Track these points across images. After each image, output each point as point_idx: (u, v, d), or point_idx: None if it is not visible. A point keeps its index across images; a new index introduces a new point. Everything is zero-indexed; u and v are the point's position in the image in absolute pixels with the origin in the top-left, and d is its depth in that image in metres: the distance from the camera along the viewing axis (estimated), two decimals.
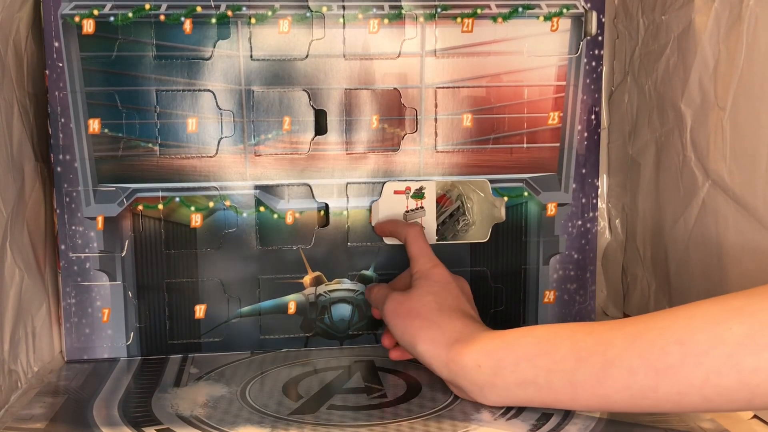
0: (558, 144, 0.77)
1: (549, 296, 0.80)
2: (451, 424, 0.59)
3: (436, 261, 0.69)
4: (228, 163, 0.73)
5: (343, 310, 0.77)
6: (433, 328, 0.61)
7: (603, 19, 0.76)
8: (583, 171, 0.78)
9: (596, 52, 0.76)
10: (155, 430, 0.58)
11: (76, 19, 0.70)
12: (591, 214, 0.79)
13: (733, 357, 0.45)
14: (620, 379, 0.49)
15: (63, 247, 0.72)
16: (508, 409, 0.61)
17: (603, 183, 0.88)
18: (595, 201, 0.79)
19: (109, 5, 0.70)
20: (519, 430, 0.58)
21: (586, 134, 0.77)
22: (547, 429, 0.58)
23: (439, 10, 0.74)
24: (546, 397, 0.55)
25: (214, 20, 0.71)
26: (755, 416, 0.60)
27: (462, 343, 0.59)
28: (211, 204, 0.74)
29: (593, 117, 0.77)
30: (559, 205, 0.78)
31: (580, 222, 0.79)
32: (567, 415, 0.60)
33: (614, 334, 0.51)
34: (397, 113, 0.75)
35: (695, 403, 0.48)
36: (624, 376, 0.49)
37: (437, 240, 0.77)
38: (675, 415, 0.59)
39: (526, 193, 0.77)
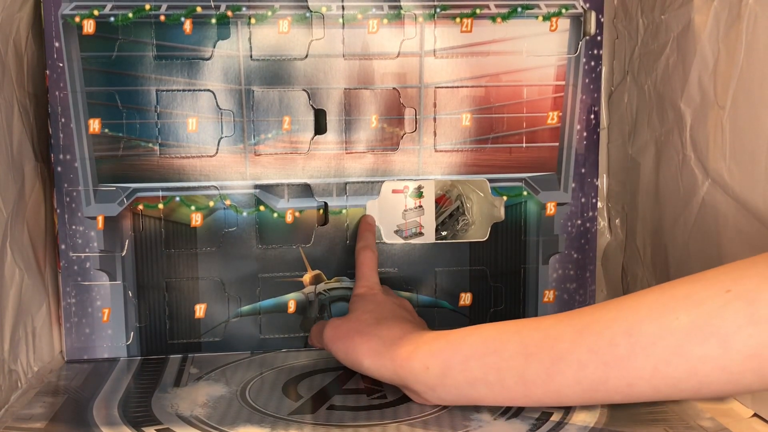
0: (557, 143, 0.77)
1: (548, 296, 0.80)
2: (450, 425, 0.59)
3: (376, 285, 0.70)
4: (228, 163, 0.74)
5: (343, 309, 0.77)
6: (374, 339, 0.61)
7: (602, 19, 0.76)
8: (583, 170, 0.78)
9: (595, 51, 0.76)
10: (155, 430, 0.58)
11: (77, 19, 0.70)
12: (590, 214, 0.79)
13: (680, 347, 0.45)
14: (570, 374, 0.49)
15: (63, 246, 0.73)
16: (508, 408, 0.61)
17: (603, 182, 0.88)
18: (594, 200, 0.79)
19: (109, 5, 0.70)
20: (518, 430, 0.58)
21: (585, 134, 0.77)
22: (546, 428, 0.58)
23: (438, 10, 0.74)
24: (498, 395, 0.54)
25: (214, 20, 0.72)
26: (755, 415, 0.60)
27: (406, 347, 0.58)
28: (211, 203, 0.74)
29: (592, 117, 0.77)
30: (559, 204, 0.78)
31: (579, 221, 0.79)
32: (567, 414, 0.60)
33: (562, 328, 0.51)
34: (396, 113, 0.75)
35: (645, 393, 0.48)
36: (574, 370, 0.49)
37: (437, 240, 0.77)
38: (674, 414, 0.60)
39: (525, 193, 0.77)
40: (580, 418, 0.59)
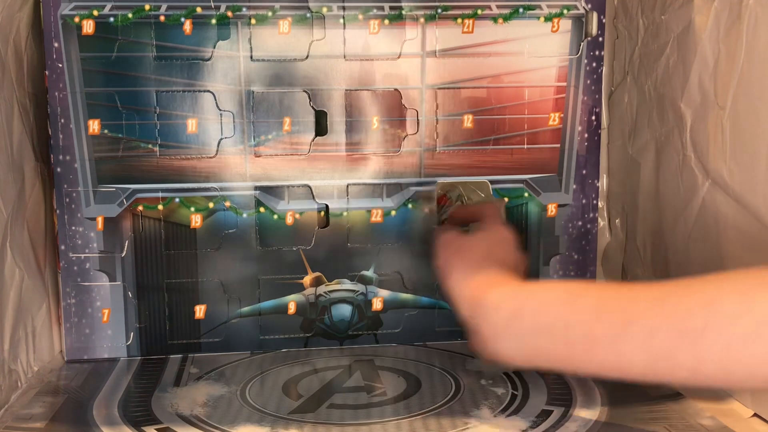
0: (558, 145, 0.77)
1: None
2: (450, 422, 0.59)
3: (503, 221, 0.67)
4: (228, 164, 0.73)
5: (343, 311, 0.77)
6: (472, 267, 0.59)
7: (603, 20, 0.76)
8: (584, 172, 0.78)
9: (597, 52, 0.76)
10: (155, 429, 0.58)
11: (76, 19, 0.70)
12: (591, 215, 0.79)
13: (760, 328, 0.43)
14: (640, 339, 0.47)
15: (63, 247, 0.72)
16: (508, 405, 0.61)
17: (603, 183, 0.88)
18: (595, 202, 0.79)
19: (108, 6, 0.70)
20: (519, 427, 0.58)
21: (586, 135, 0.77)
22: (546, 426, 0.58)
23: (439, 10, 0.74)
24: (560, 350, 0.51)
25: (214, 21, 0.71)
26: (755, 415, 0.60)
27: (488, 282, 0.56)
28: (211, 204, 0.74)
29: (593, 118, 0.77)
30: (560, 205, 0.78)
31: (580, 222, 0.79)
32: (567, 411, 0.60)
33: (641, 293, 0.48)
34: (397, 114, 0.75)
35: (713, 373, 0.45)
36: (644, 335, 0.46)
37: None
38: (675, 413, 0.60)
39: (526, 194, 0.77)
40: (581, 415, 0.60)
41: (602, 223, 0.88)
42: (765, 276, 0.45)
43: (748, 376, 0.44)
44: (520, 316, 0.52)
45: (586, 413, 0.60)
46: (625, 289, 0.49)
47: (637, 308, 0.47)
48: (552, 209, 0.78)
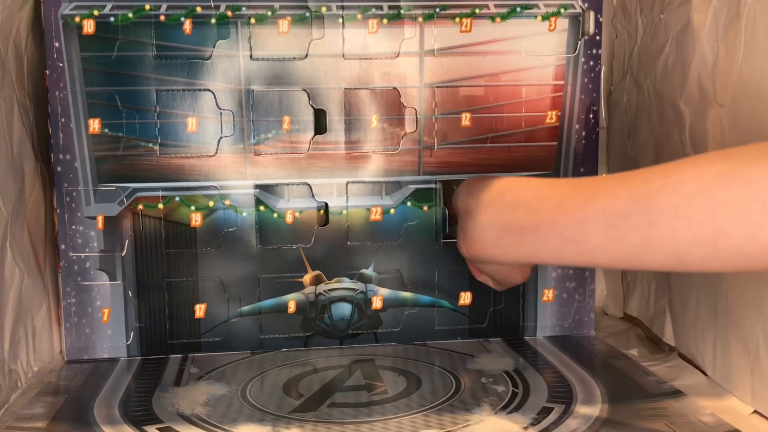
0: (556, 143, 0.77)
1: (548, 295, 0.80)
2: (451, 418, 0.59)
3: None
4: (228, 163, 0.74)
5: (343, 309, 0.77)
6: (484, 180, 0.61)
7: (600, 19, 0.76)
8: (581, 170, 0.78)
9: (594, 51, 0.77)
10: (156, 429, 0.58)
11: (77, 19, 0.70)
12: None
13: (707, 189, 0.44)
14: (600, 205, 0.49)
15: (63, 246, 0.73)
16: (509, 403, 0.61)
17: None
18: None
19: (109, 5, 0.70)
20: (520, 423, 0.58)
21: (584, 133, 0.78)
22: (547, 423, 0.58)
23: (437, 9, 0.74)
24: (531, 221, 0.53)
25: (213, 20, 0.72)
26: (756, 412, 0.60)
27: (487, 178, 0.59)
28: (211, 203, 0.74)
29: (591, 116, 0.77)
30: None
31: None
32: (567, 409, 0.60)
33: (600, 179, 0.51)
34: (396, 113, 0.75)
35: (664, 235, 0.46)
36: (605, 201, 0.48)
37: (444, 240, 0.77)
38: (675, 410, 0.60)
39: None
40: (582, 412, 0.60)
41: None
42: (720, 151, 0.46)
43: (694, 239, 0.45)
44: (504, 193, 0.56)
45: (587, 410, 0.60)
46: (596, 177, 0.53)
47: (600, 184, 0.50)
48: None
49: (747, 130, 0.60)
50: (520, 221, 0.54)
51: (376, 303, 0.78)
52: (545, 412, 0.60)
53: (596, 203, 0.49)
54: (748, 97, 0.60)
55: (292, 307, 0.76)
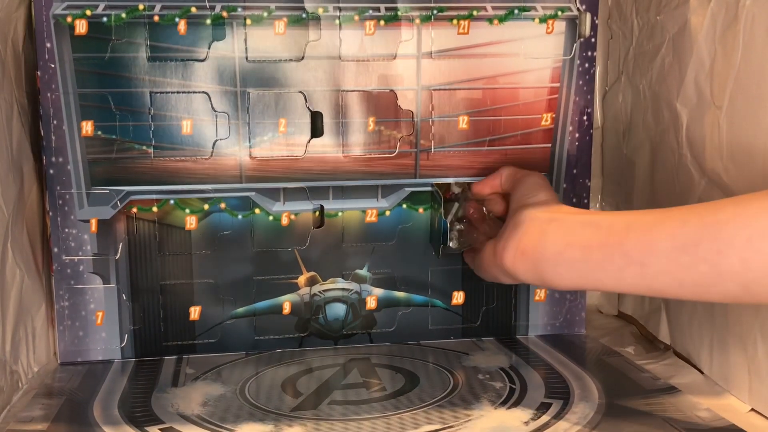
0: (549, 145, 0.78)
1: (540, 294, 0.80)
2: (452, 414, 0.60)
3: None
4: (223, 166, 0.73)
5: (338, 310, 0.77)
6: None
7: (596, 21, 0.77)
8: (574, 171, 0.78)
9: (589, 53, 0.77)
10: (159, 429, 0.58)
11: (69, 19, 0.69)
12: None
13: None
14: (670, 228, 0.48)
15: (56, 250, 0.72)
16: (507, 399, 0.62)
17: (598, 182, 0.89)
18: (586, 201, 0.79)
19: (102, 5, 0.69)
20: (520, 418, 0.59)
21: (577, 135, 0.78)
22: (547, 417, 0.59)
23: (435, 11, 0.73)
24: (599, 238, 0.53)
25: (209, 21, 0.71)
26: (753, 410, 0.61)
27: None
28: (206, 206, 0.73)
29: (585, 118, 0.78)
30: None
31: None
32: (566, 404, 0.61)
33: (675, 208, 0.50)
34: (393, 115, 0.75)
35: (733, 268, 0.45)
36: (674, 225, 0.48)
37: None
38: (672, 405, 0.61)
39: None
40: (580, 408, 0.61)
41: None
42: None
43: (765, 273, 0.45)
44: (575, 212, 0.57)
45: (585, 405, 0.62)
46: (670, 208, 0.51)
47: (677, 209, 0.49)
48: None
49: (745, 132, 0.60)
50: (586, 239, 0.53)
51: (371, 303, 0.78)
52: (544, 407, 0.61)
53: (666, 227, 0.48)
54: (746, 100, 0.60)
55: (286, 308, 0.76)
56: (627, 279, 0.51)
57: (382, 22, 0.73)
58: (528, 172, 0.68)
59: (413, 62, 0.74)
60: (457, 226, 0.69)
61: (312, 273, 0.76)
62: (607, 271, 0.51)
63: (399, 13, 0.73)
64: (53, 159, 0.70)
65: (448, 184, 0.76)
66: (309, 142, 0.74)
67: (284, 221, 0.75)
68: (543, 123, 0.77)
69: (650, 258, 0.49)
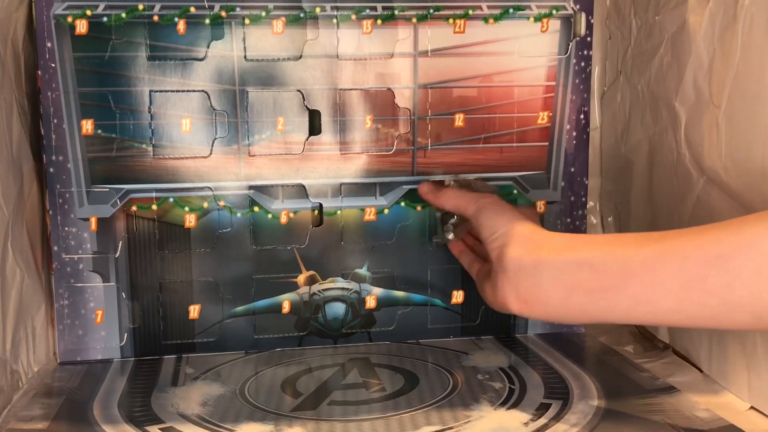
0: (547, 143, 0.78)
1: None
2: (452, 414, 0.60)
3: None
4: (222, 164, 0.73)
5: (337, 309, 0.77)
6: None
7: (591, 20, 0.77)
8: (572, 169, 0.79)
9: (585, 52, 0.77)
10: (159, 429, 0.58)
11: (69, 19, 0.70)
12: (580, 212, 0.80)
13: None
14: (672, 265, 0.47)
15: (56, 248, 0.72)
16: (507, 399, 0.62)
17: (596, 181, 0.89)
18: (584, 199, 0.80)
19: (102, 5, 0.70)
20: (520, 419, 0.59)
21: (575, 133, 0.78)
22: (546, 419, 0.59)
23: (431, 11, 0.74)
24: (597, 283, 0.51)
25: (207, 21, 0.71)
26: (752, 408, 0.61)
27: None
28: (206, 204, 0.74)
29: (582, 116, 0.78)
30: (548, 203, 0.79)
31: (569, 219, 0.80)
32: (565, 404, 0.61)
33: (672, 232, 0.49)
34: (390, 113, 0.75)
35: (743, 300, 0.45)
36: (676, 262, 0.47)
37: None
38: (671, 405, 0.61)
39: (515, 191, 0.78)
40: (579, 409, 0.61)
41: (594, 221, 0.89)
42: None
43: None
44: (565, 250, 0.53)
45: (585, 405, 0.61)
46: (657, 232, 0.50)
47: (671, 241, 0.48)
48: (541, 206, 0.79)
49: (743, 131, 0.61)
50: (585, 282, 0.51)
51: (370, 302, 0.78)
52: (544, 407, 0.61)
53: (666, 265, 0.47)
54: (745, 99, 0.60)
55: (286, 307, 0.77)
56: (639, 316, 0.50)
57: (379, 21, 0.74)
58: (482, 203, 0.64)
59: (410, 61, 0.75)
60: (452, 220, 0.70)
61: (311, 272, 0.77)
62: (617, 311, 0.51)
63: (396, 12, 0.74)
64: (53, 158, 0.71)
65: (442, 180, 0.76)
66: (307, 140, 0.74)
67: (283, 219, 0.75)
68: (539, 121, 0.77)
69: (658, 297, 0.48)
